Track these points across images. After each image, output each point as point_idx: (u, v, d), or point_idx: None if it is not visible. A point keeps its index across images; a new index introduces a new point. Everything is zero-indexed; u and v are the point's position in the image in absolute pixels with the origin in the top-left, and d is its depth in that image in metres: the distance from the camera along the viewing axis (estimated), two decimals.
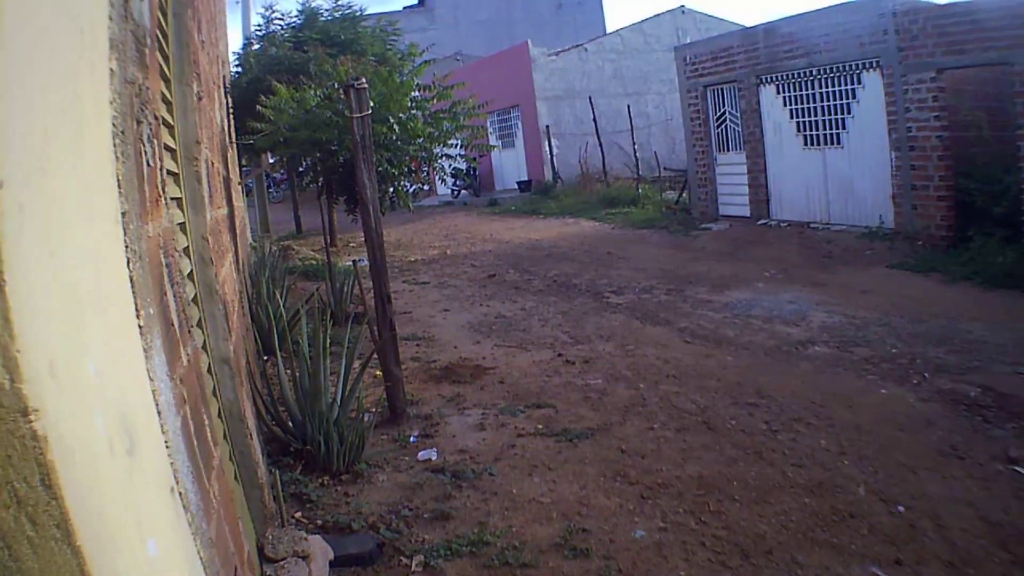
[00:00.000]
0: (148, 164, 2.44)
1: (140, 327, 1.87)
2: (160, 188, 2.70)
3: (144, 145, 2.39)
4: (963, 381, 8.02)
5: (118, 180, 1.81)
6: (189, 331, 2.97)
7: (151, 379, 1.91)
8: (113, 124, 1.83)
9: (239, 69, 21.82)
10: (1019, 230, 14.17)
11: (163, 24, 3.69)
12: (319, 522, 5.63)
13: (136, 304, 1.85)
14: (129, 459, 1.50)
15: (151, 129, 2.60)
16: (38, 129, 1.18)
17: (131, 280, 1.82)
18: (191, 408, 2.57)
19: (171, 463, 2.00)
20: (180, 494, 2.03)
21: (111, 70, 1.86)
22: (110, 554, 1.27)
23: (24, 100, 1.14)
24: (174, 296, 2.65)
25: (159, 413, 1.94)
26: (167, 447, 1.98)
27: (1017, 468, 6.18)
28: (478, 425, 7.40)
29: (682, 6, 35.69)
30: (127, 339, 1.71)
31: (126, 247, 1.81)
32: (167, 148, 3.47)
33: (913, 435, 6.78)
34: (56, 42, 1.33)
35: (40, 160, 1.17)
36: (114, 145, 1.81)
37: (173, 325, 2.52)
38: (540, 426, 7.29)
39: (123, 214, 1.82)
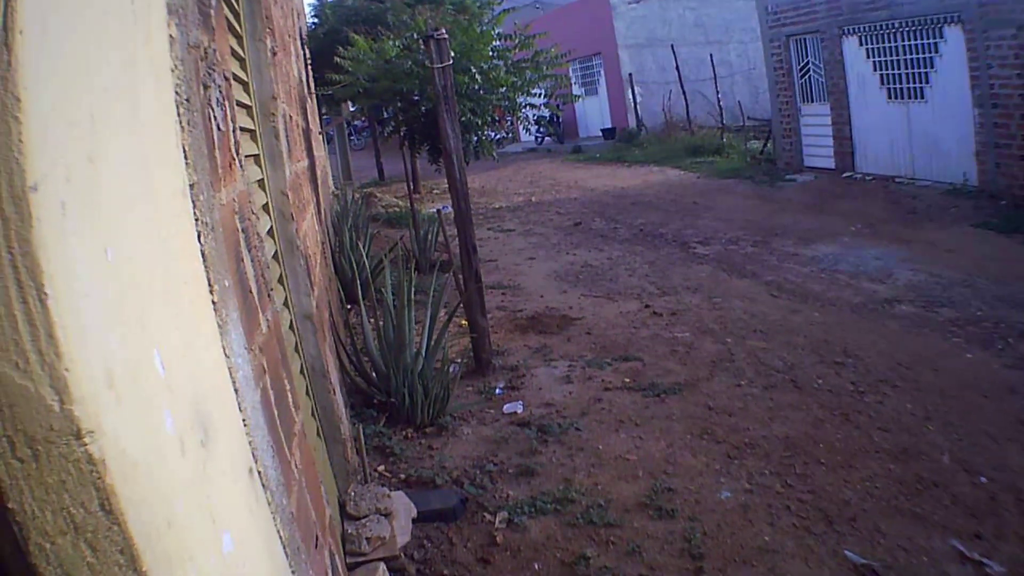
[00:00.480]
0: (219, 128, 2.36)
1: (214, 303, 1.80)
2: (234, 151, 2.63)
3: (213, 110, 2.31)
4: None
5: (184, 151, 1.74)
6: (269, 294, 2.92)
7: (227, 356, 1.84)
8: (176, 93, 1.75)
9: (315, 20, 21.83)
10: None
11: None
12: (402, 476, 5.65)
13: (209, 279, 1.78)
14: (203, 451, 1.44)
15: (221, 91, 2.52)
16: (83, 114, 1.10)
17: (203, 255, 1.75)
18: (271, 377, 2.51)
19: (249, 441, 1.94)
20: (259, 473, 1.97)
21: (171, 36, 1.78)
22: (180, 567, 1.21)
23: (65, 85, 1.06)
24: (252, 261, 2.58)
25: (236, 391, 1.88)
26: (245, 425, 1.92)
27: None
28: (564, 377, 7.35)
29: None
30: (200, 320, 1.64)
31: (196, 220, 1.74)
32: (242, 105, 3.42)
33: (997, 402, 6.60)
34: (103, 15, 1.24)
35: (86, 147, 1.09)
36: (178, 115, 1.73)
37: (251, 292, 2.46)
38: (627, 380, 7.21)
39: (191, 186, 1.75)
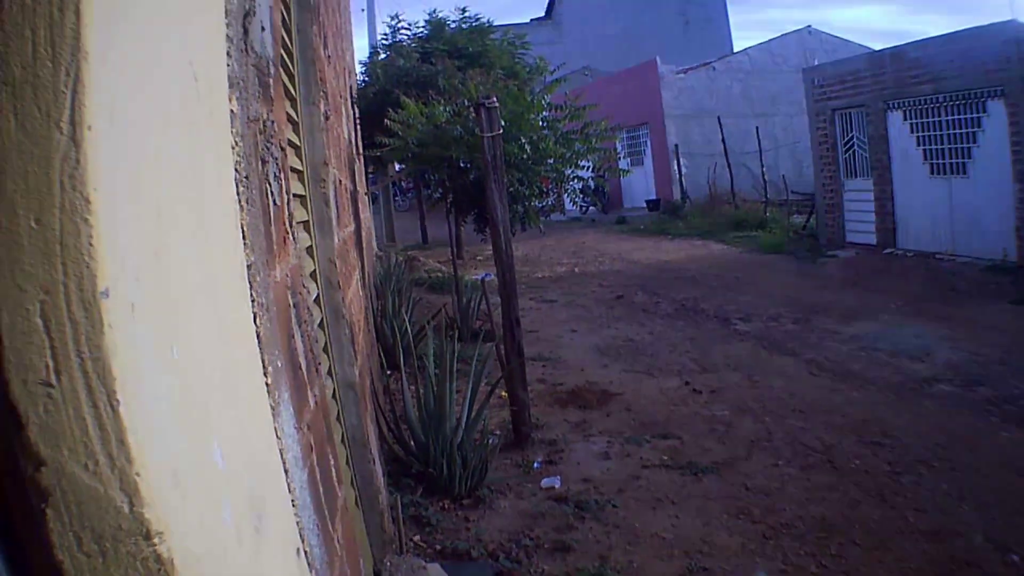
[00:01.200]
0: (275, 203, 2.37)
1: (267, 385, 1.79)
2: (288, 224, 2.64)
3: (270, 184, 2.32)
4: None
5: (243, 231, 1.74)
6: (317, 368, 2.92)
7: (278, 437, 1.83)
8: (236, 170, 1.75)
9: (365, 79, 22.02)
10: None
11: (288, 43, 3.65)
12: (438, 547, 5.62)
13: (263, 361, 1.77)
14: (257, 537, 1.43)
15: (278, 163, 2.53)
16: (150, 207, 1.10)
17: (257, 336, 1.75)
18: (318, 454, 2.51)
19: (297, 522, 1.93)
20: (305, 553, 1.96)
21: (232, 112, 1.78)
22: None
23: (133, 178, 1.06)
24: (302, 336, 2.58)
25: (286, 472, 1.87)
26: (293, 506, 1.91)
27: None
28: (603, 454, 7.33)
29: (808, 26, 35.27)
30: (254, 404, 1.63)
31: (252, 301, 1.74)
32: (294, 170, 3.43)
33: None
34: (168, 97, 1.25)
35: (152, 243, 1.09)
36: (238, 193, 1.74)
37: (301, 369, 2.45)
38: (665, 457, 7.20)
39: (249, 267, 1.74)
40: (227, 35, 1.81)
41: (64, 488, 0.95)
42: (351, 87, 11.99)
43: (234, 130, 1.79)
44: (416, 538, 5.69)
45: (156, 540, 0.98)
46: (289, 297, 2.45)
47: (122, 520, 0.96)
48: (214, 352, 1.35)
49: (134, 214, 1.04)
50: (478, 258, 21.25)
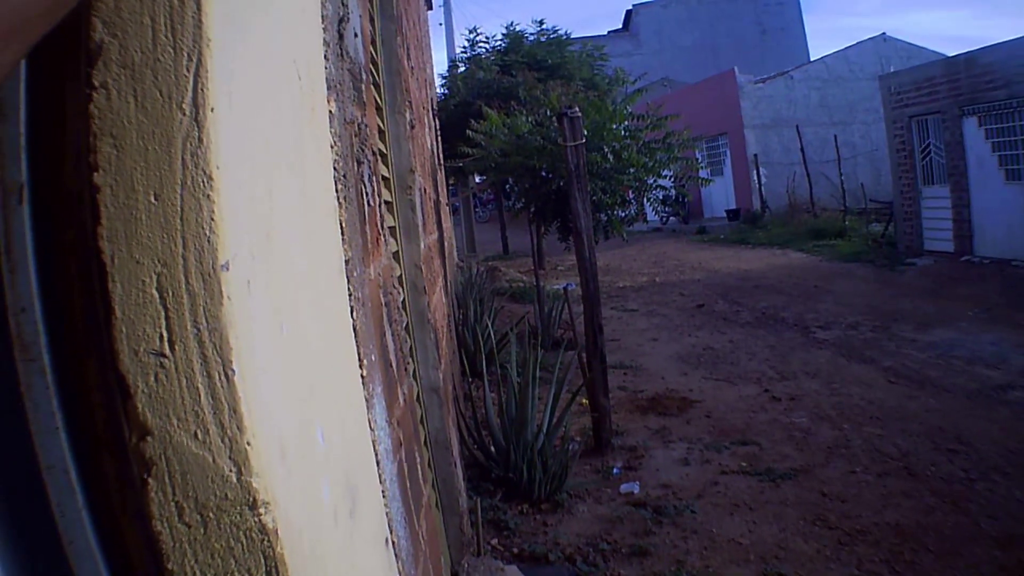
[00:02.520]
0: (368, 203, 2.43)
1: (363, 377, 1.84)
2: (380, 226, 2.70)
3: (365, 185, 2.38)
4: None
5: (341, 227, 1.79)
6: (406, 368, 2.97)
7: (371, 429, 1.88)
8: (335, 168, 1.81)
9: (445, 91, 22.19)
10: None
11: (374, 54, 3.72)
12: (515, 551, 5.65)
13: (359, 354, 1.82)
14: (351, 521, 1.47)
15: (371, 167, 2.59)
16: (264, 191, 1.14)
17: (354, 330, 1.80)
18: (406, 450, 2.56)
19: (387, 512, 1.97)
20: (393, 543, 2.00)
21: (331, 112, 1.84)
22: None
23: (249, 160, 1.10)
24: (392, 335, 2.64)
25: (378, 463, 1.91)
26: (383, 496, 1.95)
27: None
28: (682, 460, 7.32)
29: (883, 33, 34.96)
30: (351, 393, 1.68)
31: (350, 295, 1.79)
32: (382, 178, 3.49)
33: None
34: (277, 92, 1.30)
35: (266, 224, 1.13)
36: (336, 191, 1.79)
37: (392, 366, 2.50)
38: (744, 464, 7.19)
39: (347, 262, 1.80)
40: (324, 39, 1.87)
41: (169, 457, 0.98)
42: (432, 99, 12.09)
43: (332, 130, 1.85)
44: (494, 541, 5.73)
45: (262, 510, 1.01)
46: (381, 296, 2.50)
47: (228, 489, 0.99)
48: (317, 338, 1.39)
49: (250, 195, 1.09)
50: (559, 268, 21.28)
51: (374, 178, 2.67)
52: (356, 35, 2.61)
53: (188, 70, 0.97)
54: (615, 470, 7.05)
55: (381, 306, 2.45)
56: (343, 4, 2.34)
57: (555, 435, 6.71)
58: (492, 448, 6.73)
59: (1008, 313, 13.52)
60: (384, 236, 2.79)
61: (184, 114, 0.97)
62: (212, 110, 0.99)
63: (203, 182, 0.98)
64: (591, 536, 5.83)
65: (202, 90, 0.98)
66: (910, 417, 8.29)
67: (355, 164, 2.24)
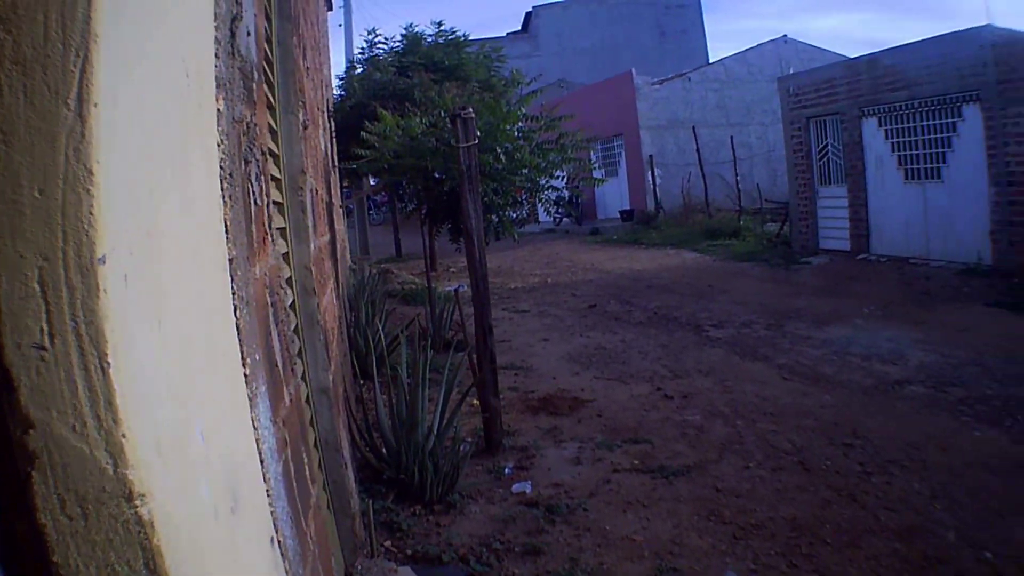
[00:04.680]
0: (256, 203, 2.43)
1: (246, 376, 1.84)
2: (267, 225, 2.69)
3: (252, 184, 2.38)
4: None
5: (226, 225, 1.79)
6: (292, 368, 2.96)
7: (255, 428, 1.88)
8: (221, 167, 1.81)
9: (342, 92, 22.03)
10: None
11: (269, 53, 3.71)
12: (409, 552, 5.62)
13: (243, 352, 1.83)
14: (233, 518, 1.47)
15: (259, 166, 2.59)
16: (144, 189, 1.15)
17: (238, 328, 1.80)
18: (292, 450, 2.56)
19: (271, 511, 1.98)
20: (279, 543, 2.01)
21: (219, 111, 1.84)
22: None
23: (131, 157, 1.11)
24: (278, 335, 2.64)
25: (262, 462, 1.92)
26: (268, 496, 1.96)
27: None
28: (574, 459, 7.35)
29: (784, 36, 35.58)
30: (233, 393, 1.68)
31: (234, 294, 1.79)
32: (272, 178, 3.48)
33: (1004, 479, 6.65)
34: (162, 89, 1.30)
35: (146, 221, 1.14)
36: (222, 189, 1.79)
37: (277, 366, 2.50)
38: (636, 462, 7.22)
39: (231, 260, 1.80)
40: (216, 37, 1.87)
41: (51, 450, 0.99)
42: (327, 100, 12.02)
43: (220, 128, 1.85)
44: (387, 543, 5.70)
45: (138, 502, 1.02)
46: (267, 296, 2.50)
47: (106, 481, 1.00)
48: (198, 336, 1.40)
49: (130, 192, 1.09)
50: (451, 270, 21.25)
51: (262, 178, 2.67)
52: (249, 33, 2.61)
53: (75, 65, 0.98)
54: (507, 470, 7.06)
55: (267, 306, 2.45)
56: (237, 2, 2.34)
57: (446, 436, 6.70)
58: (384, 450, 6.70)
59: (905, 309, 13.85)
60: (272, 236, 2.79)
61: (69, 109, 0.98)
62: (96, 105, 0.99)
63: (84, 176, 0.98)
64: (484, 536, 5.82)
65: (87, 85, 0.99)
66: (804, 413, 8.44)
67: (242, 163, 2.24)
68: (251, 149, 2.43)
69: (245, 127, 2.35)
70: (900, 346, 11.17)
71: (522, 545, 5.66)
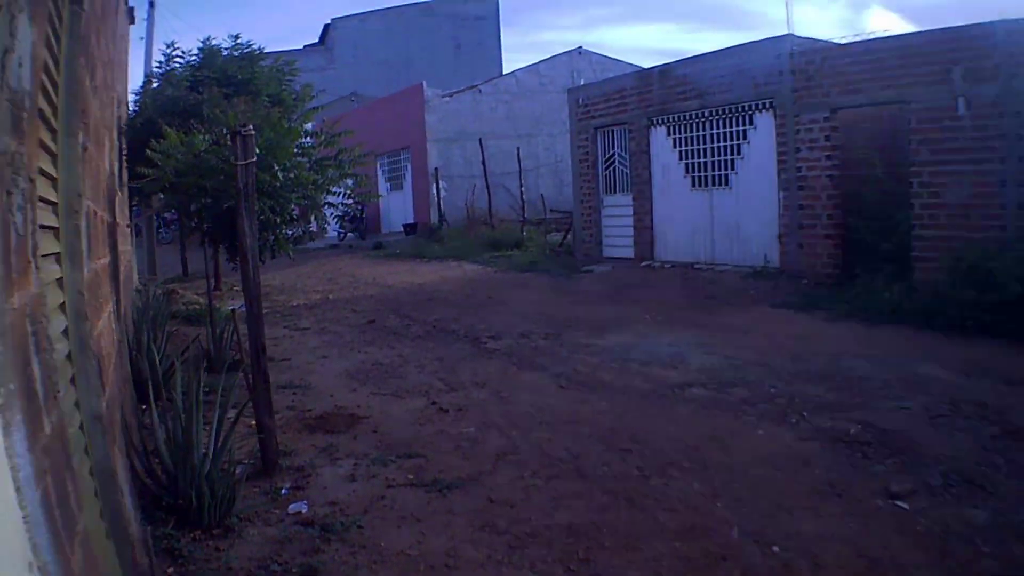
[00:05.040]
0: (18, 233, 2.44)
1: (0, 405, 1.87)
2: (31, 254, 2.70)
3: (14, 216, 2.39)
4: (843, 419, 8.26)
5: None
6: (55, 397, 2.96)
7: (9, 456, 1.92)
8: None
9: (135, 109, 21.52)
10: (907, 266, 14.66)
11: (53, 74, 3.69)
12: None
13: None
14: None
15: (25, 195, 2.60)
16: None
17: None
18: (53, 478, 2.56)
19: (30, 538, 2.01)
20: (39, 568, 2.04)
21: None
22: None
23: None
24: (39, 364, 2.64)
25: (18, 490, 1.95)
26: (26, 522, 1.99)
27: (898, 503, 6.34)
28: (349, 476, 7.39)
29: (579, 47, 36.78)
30: None
31: None
32: (47, 202, 3.47)
33: (789, 474, 6.94)
34: None
35: None
36: None
37: (37, 395, 2.51)
38: (411, 476, 7.31)
39: None
40: None
41: None
42: (119, 117, 11.78)
43: None
44: (170, 570, 5.63)
45: None
46: (28, 325, 2.52)
47: None
48: None
49: None
50: (235, 289, 20.81)
51: (28, 206, 2.68)
52: (21, 64, 2.62)
53: None
54: (283, 490, 7.05)
55: (27, 335, 2.47)
56: (10, 34, 2.36)
57: (221, 458, 6.65)
58: (163, 476, 6.64)
59: (687, 314, 14.37)
60: (35, 264, 2.80)
61: None
62: None
63: None
64: (262, 558, 5.81)
65: None
66: (581, 421, 8.61)
67: (4, 195, 2.26)
68: (15, 180, 2.45)
69: (10, 158, 2.38)
70: (682, 350, 11.58)
71: (299, 566, 5.67)
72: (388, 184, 38.56)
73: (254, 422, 7.77)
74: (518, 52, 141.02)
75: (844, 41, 17.22)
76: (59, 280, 3.80)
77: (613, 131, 22.44)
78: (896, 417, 8.27)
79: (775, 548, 5.61)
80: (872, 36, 16.67)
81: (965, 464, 7.07)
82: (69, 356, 3.83)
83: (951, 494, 6.55)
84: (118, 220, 9.30)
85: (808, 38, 17.97)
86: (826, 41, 17.84)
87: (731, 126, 18.86)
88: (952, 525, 5.97)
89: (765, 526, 5.95)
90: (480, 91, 35.44)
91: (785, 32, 18.35)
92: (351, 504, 6.76)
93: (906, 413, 8.43)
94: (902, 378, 9.71)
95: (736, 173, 18.90)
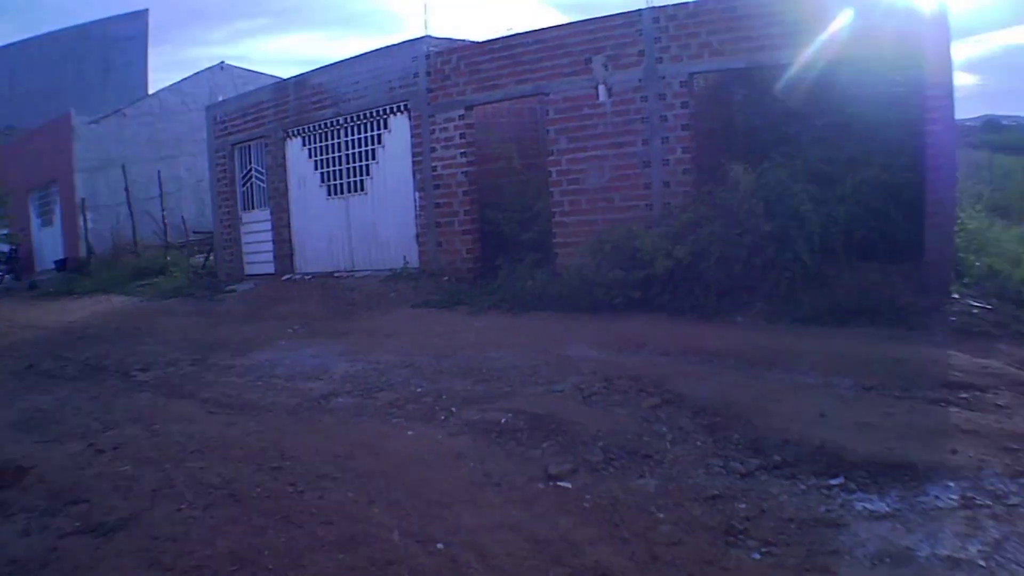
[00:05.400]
0: None
1: None
2: None
3: None
4: (493, 409, 8.62)
5: None
6: None
7: None
8: None
9: None
10: (550, 253, 15.39)
11: None
12: None
13: None
14: None
15: None
16: None
17: None
18: None
19: None
20: None
21: None
22: None
23: None
24: None
25: None
26: None
27: (560, 483, 6.67)
28: (24, 531, 7.03)
29: (221, 63, 36.35)
30: None
31: None
32: None
33: (444, 471, 7.17)
34: None
35: None
36: None
37: None
38: (78, 523, 7.00)
39: None
40: None
41: None
42: None
43: None
44: None
45: None
46: None
47: None
48: None
49: None
50: None
51: None
52: None
53: None
54: None
55: None
56: None
57: None
58: None
59: (329, 324, 14.71)
60: None
61: None
62: None
63: None
64: None
65: None
66: (232, 444, 8.57)
67: None
68: None
69: None
70: (325, 361, 11.85)
71: None
72: (40, 220, 37.22)
73: None
74: (168, 72, 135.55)
75: (485, 39, 17.65)
76: None
77: (250, 147, 22.50)
78: (548, 401, 8.68)
79: (439, 545, 5.76)
80: (513, 32, 17.12)
81: (626, 437, 7.54)
82: None
83: (614, 467, 6.98)
84: None
85: (446, 38, 18.40)
86: (465, 40, 18.31)
87: (366, 131, 19.25)
88: (621, 497, 6.36)
89: (426, 525, 6.11)
90: (125, 115, 34.55)
91: (424, 34, 18.63)
92: (30, 560, 6.46)
93: (558, 396, 8.88)
94: (551, 363, 10.23)
95: (371, 178, 19.30)
